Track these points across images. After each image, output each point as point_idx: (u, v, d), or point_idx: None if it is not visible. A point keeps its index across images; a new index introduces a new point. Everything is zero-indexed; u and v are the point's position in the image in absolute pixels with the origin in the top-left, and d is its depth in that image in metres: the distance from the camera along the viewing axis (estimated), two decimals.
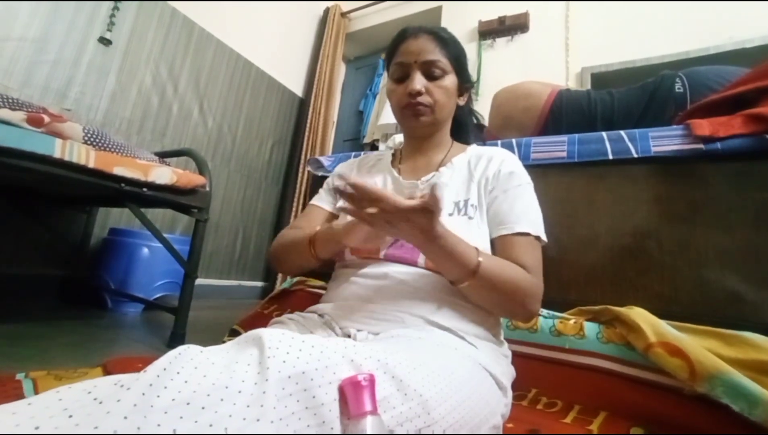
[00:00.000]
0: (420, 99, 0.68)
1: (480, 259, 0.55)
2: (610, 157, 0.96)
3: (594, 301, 0.88)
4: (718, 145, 0.84)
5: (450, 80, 0.71)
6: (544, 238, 0.65)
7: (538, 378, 0.81)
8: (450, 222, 0.60)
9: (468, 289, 0.57)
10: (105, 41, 1.88)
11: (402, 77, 0.71)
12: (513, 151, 1.01)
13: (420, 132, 0.74)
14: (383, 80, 3.32)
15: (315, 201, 0.81)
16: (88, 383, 0.29)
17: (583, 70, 2.28)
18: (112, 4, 1.90)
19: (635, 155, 0.93)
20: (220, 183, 2.46)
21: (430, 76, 0.69)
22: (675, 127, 0.93)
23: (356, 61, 3.69)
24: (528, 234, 0.63)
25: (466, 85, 0.77)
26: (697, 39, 1.98)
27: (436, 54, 0.69)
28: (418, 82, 0.68)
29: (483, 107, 1.47)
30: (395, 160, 0.80)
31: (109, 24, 1.89)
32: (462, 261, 0.54)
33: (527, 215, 0.65)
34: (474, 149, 0.76)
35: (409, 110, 0.70)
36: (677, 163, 0.90)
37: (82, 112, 1.79)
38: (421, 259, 0.62)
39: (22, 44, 1.60)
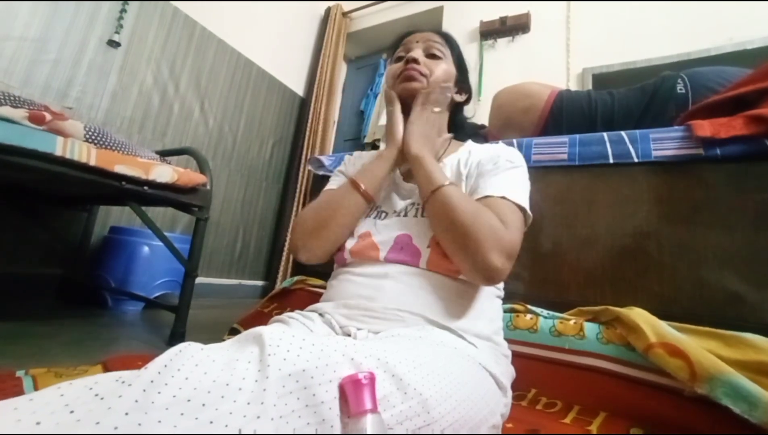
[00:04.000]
0: (416, 66, 0.69)
1: (446, 183, 0.59)
2: (611, 161, 0.96)
3: (594, 301, 0.88)
4: (717, 150, 0.85)
5: (449, 64, 0.73)
6: (525, 207, 0.62)
7: (537, 378, 0.81)
8: None
9: (429, 208, 0.61)
10: (114, 44, 1.89)
11: (402, 57, 0.72)
12: None
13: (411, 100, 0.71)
14: (384, 80, 3.32)
15: (330, 185, 0.77)
16: (90, 379, 0.29)
17: (584, 71, 2.27)
18: (118, 6, 1.90)
19: (636, 160, 0.93)
20: (220, 182, 2.46)
21: (431, 56, 0.72)
22: (676, 128, 0.93)
23: (357, 60, 3.69)
24: (504, 198, 0.61)
25: (465, 85, 0.78)
26: (698, 40, 1.98)
27: (439, 41, 0.73)
28: (417, 53, 0.71)
29: (484, 107, 1.47)
30: None
31: (117, 27, 1.89)
32: (429, 178, 0.61)
33: (503, 185, 0.62)
34: (469, 145, 0.76)
35: (402, 75, 0.70)
36: (677, 163, 0.90)
37: (83, 111, 1.79)
38: (423, 261, 0.62)
39: (22, 43, 1.60)
